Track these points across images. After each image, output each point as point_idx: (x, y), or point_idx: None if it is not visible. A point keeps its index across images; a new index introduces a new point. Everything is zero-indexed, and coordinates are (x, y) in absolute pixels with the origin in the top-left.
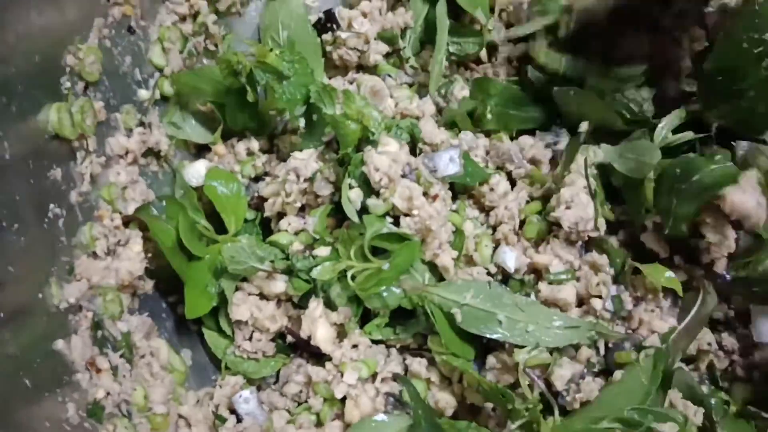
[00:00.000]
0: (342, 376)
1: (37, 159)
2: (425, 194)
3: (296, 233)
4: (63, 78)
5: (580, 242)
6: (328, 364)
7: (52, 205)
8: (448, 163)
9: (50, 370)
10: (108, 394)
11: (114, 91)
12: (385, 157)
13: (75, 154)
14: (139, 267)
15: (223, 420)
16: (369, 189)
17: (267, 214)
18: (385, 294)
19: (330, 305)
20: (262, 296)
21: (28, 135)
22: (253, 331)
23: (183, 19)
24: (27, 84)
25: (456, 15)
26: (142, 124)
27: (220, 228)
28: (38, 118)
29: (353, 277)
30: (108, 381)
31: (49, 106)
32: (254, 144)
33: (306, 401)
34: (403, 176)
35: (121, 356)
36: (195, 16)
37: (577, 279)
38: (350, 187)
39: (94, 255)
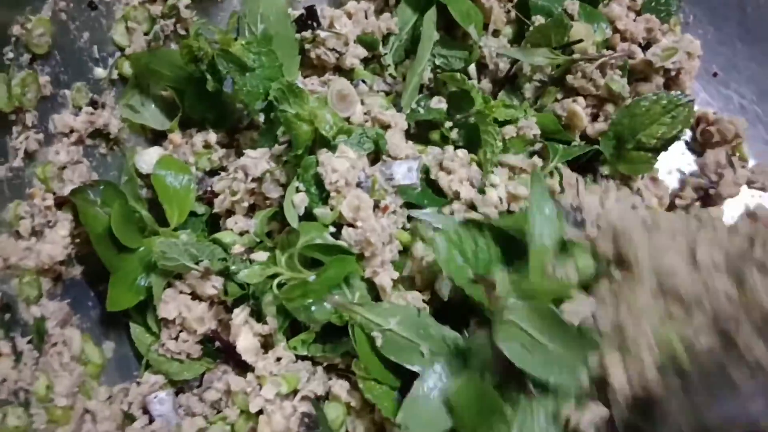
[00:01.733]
0: (261, 389)
1: None
2: (377, 206)
3: (241, 234)
4: (6, 48)
5: None
6: (249, 375)
7: None
8: (406, 173)
9: None
10: (4, 380)
11: (66, 66)
12: (345, 161)
13: (10, 127)
14: (62, 252)
15: (132, 419)
16: (316, 196)
17: (216, 210)
18: (313, 308)
19: (260, 314)
20: (195, 296)
21: None
22: (180, 331)
23: (153, 0)
24: None
25: (448, 27)
26: (94, 103)
27: (163, 220)
28: None
29: (280, 286)
30: (6, 367)
31: None
32: (212, 136)
33: (223, 410)
34: (358, 185)
35: (29, 342)
36: None
37: None
38: (297, 190)
39: (17, 234)
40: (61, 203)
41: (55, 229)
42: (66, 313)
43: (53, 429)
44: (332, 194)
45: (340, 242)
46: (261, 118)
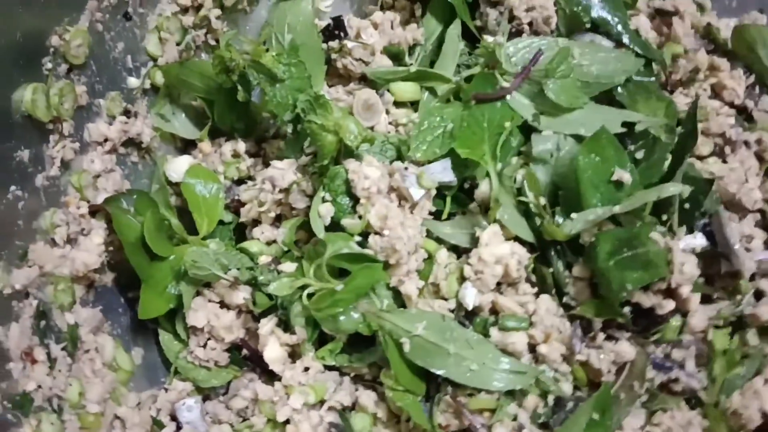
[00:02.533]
0: (288, 398)
1: (4, 138)
2: (401, 204)
3: (268, 243)
4: (45, 59)
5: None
6: (277, 384)
7: (13, 187)
8: (441, 171)
9: None
10: (39, 387)
11: (101, 76)
12: (376, 169)
13: (48, 136)
14: (97, 260)
15: (161, 426)
16: (343, 206)
17: (242, 219)
18: (341, 318)
19: (287, 324)
20: (223, 305)
21: None
22: (208, 339)
23: (185, 10)
24: (4, 60)
25: (475, 38)
26: (127, 112)
27: (192, 228)
28: (12, 97)
29: (309, 296)
30: (41, 374)
31: (25, 86)
32: (241, 146)
33: (249, 418)
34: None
35: (63, 349)
36: (198, 8)
37: (531, 324)
38: (323, 200)
39: (53, 242)
40: (94, 211)
41: (90, 237)
42: (98, 320)
43: None
44: (362, 202)
45: (366, 251)
46: (289, 128)
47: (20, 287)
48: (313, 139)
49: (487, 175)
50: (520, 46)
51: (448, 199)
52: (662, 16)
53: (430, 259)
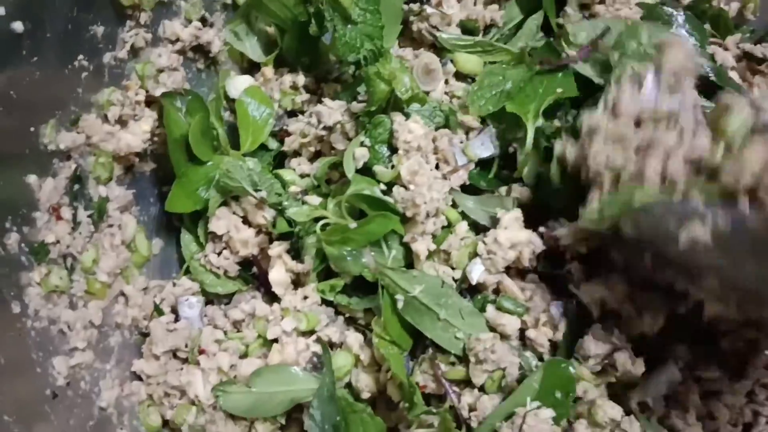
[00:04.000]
0: (282, 320)
1: (83, 9)
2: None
3: (302, 176)
4: None
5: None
6: (275, 305)
7: (81, 56)
8: (480, 146)
9: (10, 194)
10: (57, 242)
11: None
12: (420, 127)
13: (125, 20)
14: (140, 145)
15: (161, 313)
16: (379, 153)
17: (284, 148)
18: (349, 258)
19: (298, 253)
20: (245, 221)
21: None
22: (224, 248)
23: None
24: None
25: (550, 32)
26: (204, 20)
27: (236, 144)
28: None
29: (324, 228)
30: (63, 231)
31: None
32: (301, 79)
33: (242, 330)
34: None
35: (89, 216)
36: None
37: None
38: (361, 144)
39: (104, 117)
40: (150, 102)
41: (140, 122)
42: (128, 201)
43: (88, 299)
44: (399, 153)
45: (388, 199)
46: (350, 70)
47: (64, 148)
48: (367, 85)
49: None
50: (590, 24)
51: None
52: (749, 60)
53: (449, 227)
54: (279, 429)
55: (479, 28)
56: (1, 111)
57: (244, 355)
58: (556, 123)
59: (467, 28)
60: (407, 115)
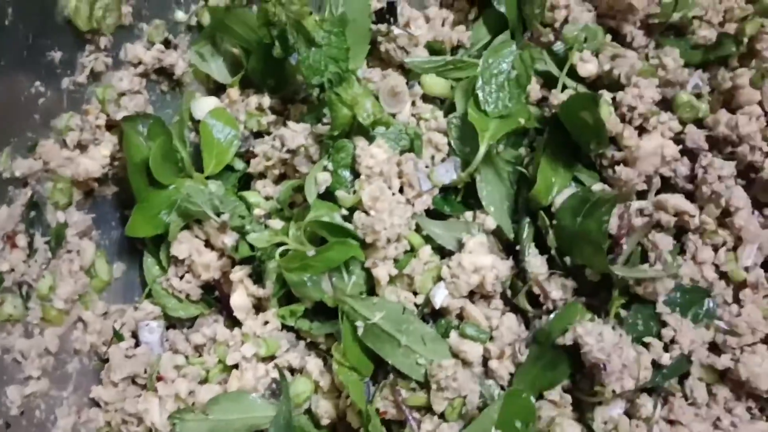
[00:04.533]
0: (242, 345)
1: (41, 35)
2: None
3: (267, 199)
4: None
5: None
6: (236, 330)
7: (38, 83)
8: (444, 174)
9: None
10: (12, 270)
11: (151, 2)
12: (383, 152)
13: (84, 45)
14: (99, 170)
15: (121, 338)
16: (342, 179)
17: (250, 170)
18: (309, 284)
19: (260, 277)
20: (207, 244)
21: (39, 10)
22: (186, 272)
23: None
24: None
25: None
26: (167, 43)
27: (200, 167)
28: None
29: (283, 254)
30: (18, 259)
31: None
32: (266, 100)
33: (203, 355)
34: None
35: (47, 243)
36: None
37: (491, 338)
38: (324, 169)
39: (63, 143)
40: (111, 126)
41: (99, 147)
42: (87, 226)
43: (44, 327)
44: (362, 178)
45: (348, 226)
46: (315, 92)
47: (20, 175)
48: (330, 109)
49: None
50: None
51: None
52: None
53: (412, 252)
54: None
55: (446, 49)
56: None
57: (204, 381)
58: (521, 151)
59: (434, 49)
60: (372, 139)
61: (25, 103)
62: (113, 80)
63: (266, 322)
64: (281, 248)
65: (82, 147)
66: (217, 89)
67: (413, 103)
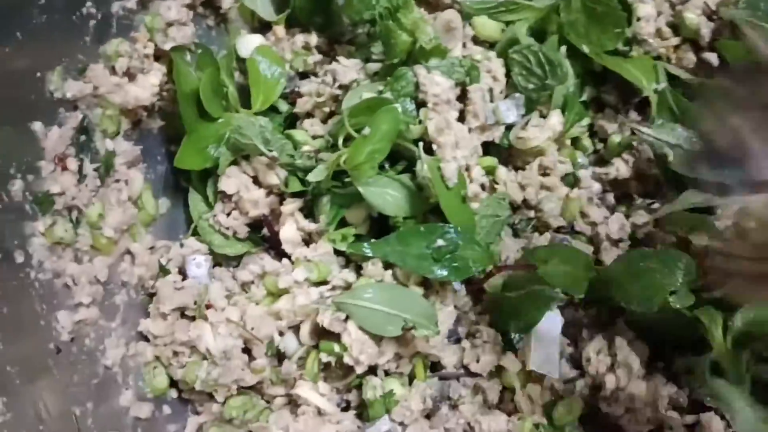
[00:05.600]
0: (293, 271)
1: None
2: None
3: (314, 137)
4: None
5: None
6: (285, 260)
7: (89, 3)
8: (506, 111)
9: (15, 141)
10: (63, 193)
11: None
12: (446, 80)
13: None
14: (148, 98)
15: (167, 272)
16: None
17: (297, 110)
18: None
19: (312, 213)
20: (256, 181)
21: None
22: (234, 208)
23: None
24: None
25: None
26: None
27: (247, 105)
28: None
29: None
30: (69, 182)
31: None
32: (313, 39)
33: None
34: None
35: (96, 170)
36: None
37: None
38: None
39: (112, 69)
40: (159, 56)
41: (148, 76)
42: (135, 156)
43: (94, 255)
44: (429, 106)
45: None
46: (366, 29)
47: (71, 97)
48: (387, 37)
49: None
50: None
51: None
52: None
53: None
54: None
55: None
56: (7, 52)
57: None
58: None
59: None
60: (427, 69)
61: (76, 24)
62: (161, 9)
63: (317, 249)
64: (343, 157)
65: (130, 75)
66: (262, 27)
67: (463, 45)
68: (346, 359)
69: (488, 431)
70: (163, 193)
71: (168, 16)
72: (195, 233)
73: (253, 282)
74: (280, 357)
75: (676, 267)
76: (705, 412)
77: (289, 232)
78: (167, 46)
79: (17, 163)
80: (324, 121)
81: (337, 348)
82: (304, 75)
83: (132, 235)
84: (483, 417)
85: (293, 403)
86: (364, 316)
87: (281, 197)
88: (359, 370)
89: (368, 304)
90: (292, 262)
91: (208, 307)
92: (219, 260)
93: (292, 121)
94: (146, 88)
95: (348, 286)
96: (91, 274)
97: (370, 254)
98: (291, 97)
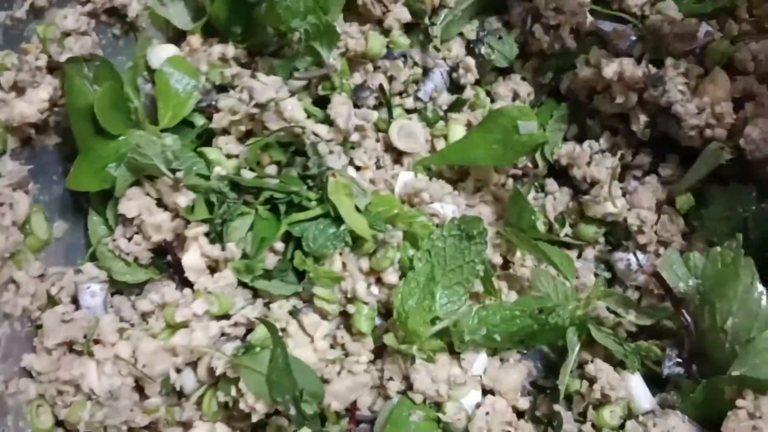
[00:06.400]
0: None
1: None
2: None
3: (228, 156)
4: None
5: None
6: (186, 290)
7: None
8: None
9: None
10: None
11: None
12: None
13: None
14: (36, 115)
15: (55, 303)
16: None
17: (213, 125)
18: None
19: (220, 238)
20: (160, 203)
21: None
22: (135, 233)
23: None
24: None
25: None
26: None
27: (156, 120)
28: None
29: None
30: None
31: None
32: (231, 50)
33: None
34: None
35: None
36: None
37: None
38: None
39: None
40: (53, 69)
41: (38, 90)
42: (23, 177)
43: None
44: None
45: None
46: (295, 36)
47: None
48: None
49: None
50: None
51: None
52: None
53: None
54: None
55: (424, 11)
56: None
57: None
58: None
59: (412, 7)
60: None
61: None
62: (57, 18)
63: (220, 280)
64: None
65: (18, 89)
66: (177, 36)
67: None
68: (242, 405)
69: None
70: (59, 216)
71: (64, 25)
72: (93, 258)
73: (153, 312)
74: (180, 395)
75: None
76: None
77: (192, 258)
78: (63, 58)
79: None
80: (240, 140)
81: (233, 391)
82: (222, 88)
83: (16, 263)
84: None
85: None
86: (255, 381)
87: (187, 222)
88: (255, 418)
89: (262, 370)
90: (194, 291)
91: (96, 342)
92: (119, 288)
93: (209, 136)
94: (34, 103)
95: (251, 328)
96: None
97: (274, 293)
98: (207, 111)
